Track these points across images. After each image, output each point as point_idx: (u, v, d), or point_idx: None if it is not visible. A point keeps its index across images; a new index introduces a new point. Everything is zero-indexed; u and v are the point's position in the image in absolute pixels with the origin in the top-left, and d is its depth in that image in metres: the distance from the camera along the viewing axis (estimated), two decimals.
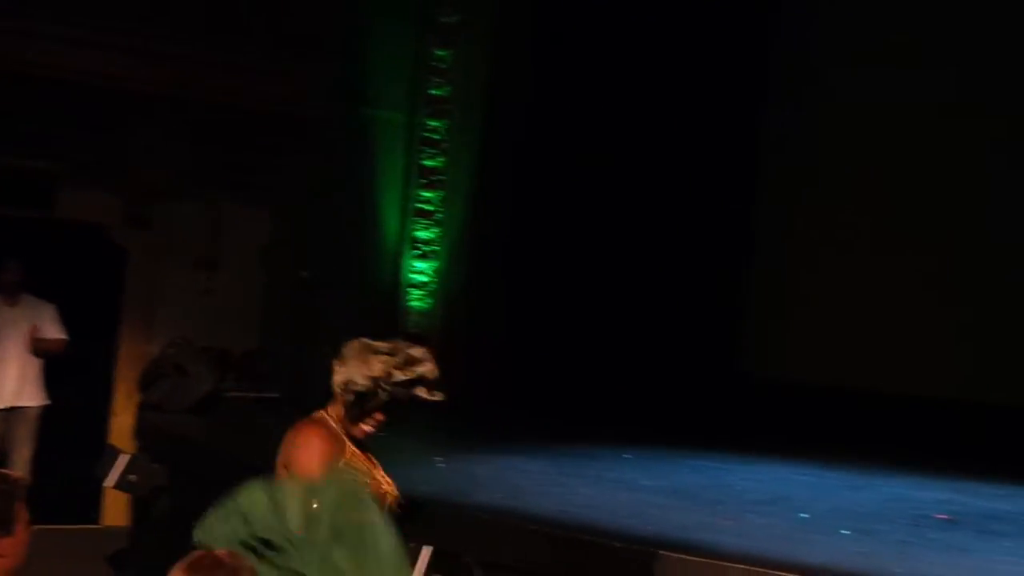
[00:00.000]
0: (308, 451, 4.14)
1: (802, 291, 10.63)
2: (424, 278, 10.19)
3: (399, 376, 4.17)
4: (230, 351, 9.23)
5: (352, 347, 4.25)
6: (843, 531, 6.27)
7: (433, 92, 10.22)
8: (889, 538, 6.27)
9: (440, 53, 10.22)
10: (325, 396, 4.23)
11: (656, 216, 10.39)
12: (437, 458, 7.13)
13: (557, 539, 5.46)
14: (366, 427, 4.18)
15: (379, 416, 4.18)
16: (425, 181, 10.22)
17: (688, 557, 5.31)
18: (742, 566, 5.29)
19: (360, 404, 4.16)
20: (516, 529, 5.55)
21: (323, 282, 9.62)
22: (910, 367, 10.06)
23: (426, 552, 4.92)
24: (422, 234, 10.21)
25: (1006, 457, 8.50)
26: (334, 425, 4.20)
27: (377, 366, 4.16)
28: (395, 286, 10.13)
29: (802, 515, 6.57)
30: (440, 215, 10.19)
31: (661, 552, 5.30)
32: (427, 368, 4.21)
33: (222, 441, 7.42)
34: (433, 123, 10.24)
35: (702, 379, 10.04)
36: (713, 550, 5.42)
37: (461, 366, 10.08)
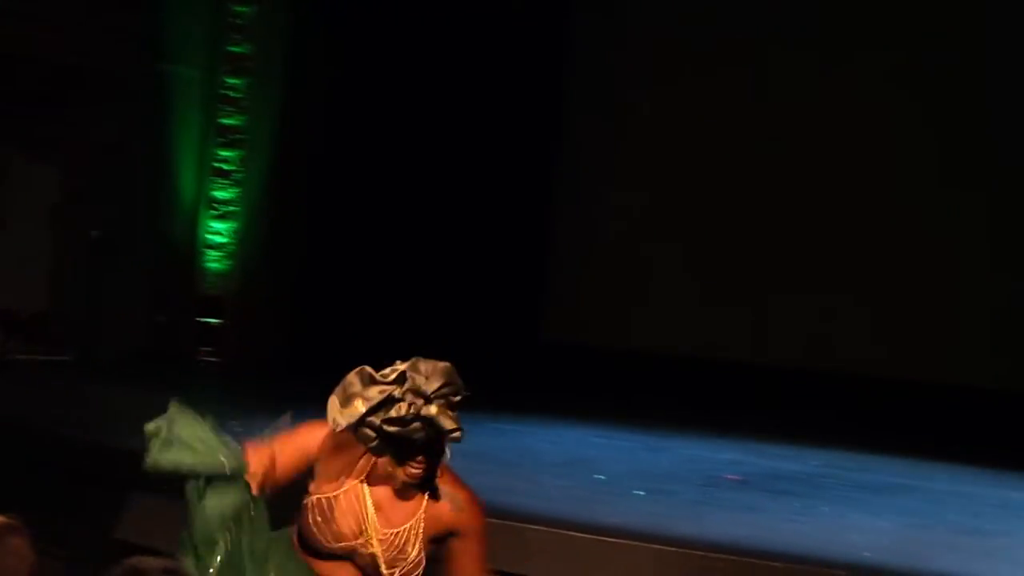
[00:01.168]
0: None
1: (598, 257, 10.73)
2: (222, 239, 9.99)
3: (387, 416, 3.32)
4: (16, 312, 8.93)
5: (348, 376, 3.41)
6: (638, 492, 6.36)
7: (233, 49, 10.01)
8: (682, 498, 6.39)
9: (240, 9, 10.00)
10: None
11: (459, 182, 10.36)
12: (233, 422, 7.00)
13: None
14: (412, 470, 3.40)
15: (419, 460, 3.38)
16: (223, 140, 10.00)
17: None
18: (539, 527, 5.33)
19: (377, 448, 3.37)
20: None
21: (116, 242, 9.37)
22: (704, 331, 10.25)
23: None
24: (220, 194, 10.00)
25: (793, 419, 8.72)
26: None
27: (357, 405, 3.34)
28: (192, 247, 9.92)
29: (598, 477, 6.64)
30: (239, 175, 9.99)
31: None
32: (439, 414, 3.34)
33: (6, 405, 7.18)
34: (232, 81, 10.03)
35: (501, 343, 10.07)
36: (510, 512, 5.42)
37: (260, 329, 9.98)
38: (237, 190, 9.97)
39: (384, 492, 3.47)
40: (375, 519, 3.46)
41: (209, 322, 9.78)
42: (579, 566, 5.26)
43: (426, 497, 3.48)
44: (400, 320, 9.70)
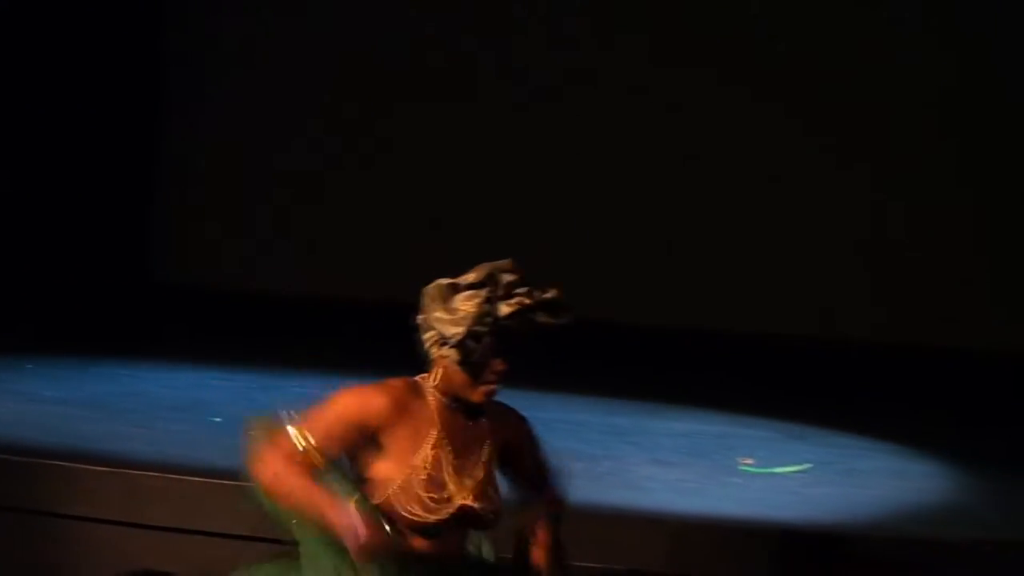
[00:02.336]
0: (339, 395, 3.37)
1: (208, 197, 10.51)
2: None
3: (505, 309, 3.29)
4: None
5: (428, 292, 3.38)
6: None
7: None
8: None
9: None
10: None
11: (56, 116, 9.88)
12: None
13: None
14: (487, 386, 3.34)
15: (498, 365, 3.33)
16: None
17: (96, 468, 5.16)
18: (154, 474, 5.19)
19: (468, 361, 3.31)
20: None
21: None
22: (317, 271, 10.21)
23: None
24: None
25: (412, 355, 8.77)
26: (431, 396, 3.36)
27: (466, 305, 3.30)
28: None
29: (214, 419, 6.53)
30: None
31: (66, 464, 5.11)
32: (544, 291, 3.33)
33: None
34: None
35: (111, 284, 9.74)
36: (124, 459, 5.29)
37: None
38: None
39: (457, 439, 3.38)
40: (462, 470, 3.37)
41: None
42: (197, 511, 5.15)
43: (485, 421, 3.43)
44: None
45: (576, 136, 9.96)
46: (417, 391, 3.39)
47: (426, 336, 3.39)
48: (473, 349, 3.30)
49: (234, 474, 5.14)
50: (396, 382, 3.41)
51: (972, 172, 9.70)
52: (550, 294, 3.33)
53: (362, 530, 3.20)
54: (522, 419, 3.57)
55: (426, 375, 3.41)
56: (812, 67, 9.80)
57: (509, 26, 10.20)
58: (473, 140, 10.12)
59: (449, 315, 3.30)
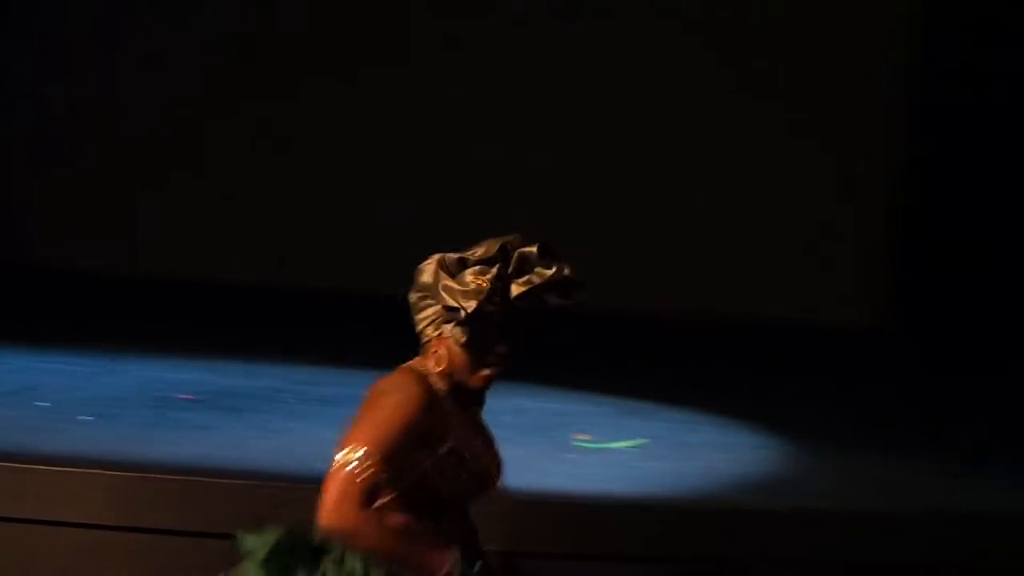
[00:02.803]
0: (390, 402, 3.04)
1: (42, 175, 10.28)
2: None
3: (517, 288, 3.07)
4: None
5: (430, 269, 3.13)
6: (84, 417, 6.19)
7: None
8: (133, 421, 6.27)
9: None
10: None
11: None
12: None
13: None
14: (487, 371, 3.13)
15: (501, 349, 3.12)
16: None
17: None
18: None
19: (474, 340, 3.08)
20: None
21: None
22: (161, 250, 10.06)
23: None
24: None
25: (250, 337, 8.72)
26: (437, 386, 3.12)
27: (478, 280, 3.06)
28: None
29: (41, 404, 6.41)
30: None
31: None
32: (558, 268, 3.10)
33: None
34: None
35: None
36: None
37: None
38: None
39: (467, 416, 3.21)
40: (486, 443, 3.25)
41: None
42: (29, 500, 5.05)
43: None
44: None
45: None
46: (423, 378, 3.15)
47: (423, 315, 3.16)
48: (481, 328, 3.07)
49: (70, 460, 5.13)
50: (411, 373, 3.14)
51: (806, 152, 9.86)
52: (564, 273, 3.13)
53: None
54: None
55: (422, 359, 3.19)
56: None
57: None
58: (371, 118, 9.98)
59: (461, 287, 3.06)
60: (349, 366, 8.10)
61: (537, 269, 3.10)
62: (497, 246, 3.10)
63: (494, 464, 3.23)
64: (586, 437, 6.43)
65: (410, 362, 3.18)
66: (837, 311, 9.60)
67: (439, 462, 3.08)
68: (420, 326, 3.18)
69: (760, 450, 6.61)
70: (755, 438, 6.83)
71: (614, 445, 6.40)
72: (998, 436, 7.54)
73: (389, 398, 3.05)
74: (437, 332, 3.14)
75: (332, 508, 2.98)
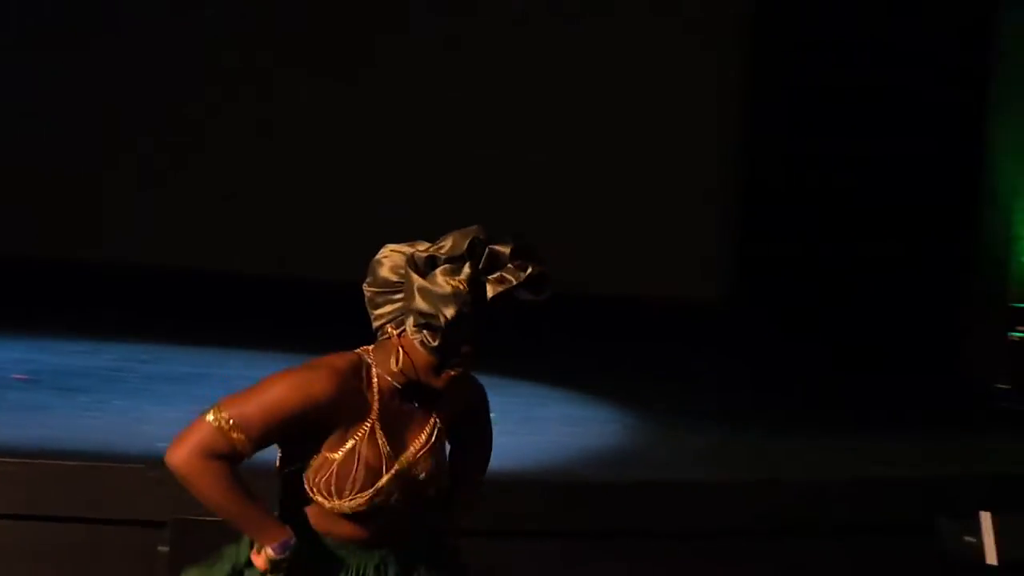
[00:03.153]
0: (277, 384, 2.93)
1: None
2: None
3: (492, 288, 2.90)
4: None
5: (390, 264, 2.97)
6: None
7: None
8: None
9: None
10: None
11: None
12: None
13: None
14: (453, 371, 2.95)
15: (467, 350, 2.94)
16: None
17: None
18: None
19: (445, 344, 2.90)
20: None
21: None
22: None
23: None
24: None
25: (86, 315, 8.54)
26: (377, 376, 2.97)
27: (453, 282, 2.87)
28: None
29: None
30: None
31: None
32: (534, 267, 2.93)
33: None
34: None
35: None
36: None
37: None
38: None
39: (396, 421, 3.01)
40: (399, 448, 3.01)
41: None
42: None
43: (439, 402, 3.05)
44: None
45: None
46: (359, 368, 3.01)
47: (383, 311, 3.00)
48: (454, 331, 2.90)
49: None
50: (341, 362, 3.01)
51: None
52: (536, 271, 2.96)
53: (273, 552, 2.97)
54: (479, 391, 3.23)
55: (369, 349, 3.04)
56: None
57: None
58: None
59: (437, 289, 2.88)
60: (190, 343, 8.04)
61: (510, 266, 2.94)
62: (467, 242, 2.92)
63: (421, 469, 3.04)
64: None
65: (358, 350, 3.05)
66: (686, 285, 9.69)
67: (334, 459, 2.98)
68: (379, 322, 3.01)
69: (607, 424, 6.66)
70: (603, 412, 6.88)
71: None
72: (830, 403, 7.74)
73: (280, 380, 2.98)
74: (399, 330, 2.98)
75: (177, 447, 2.96)
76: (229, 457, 2.94)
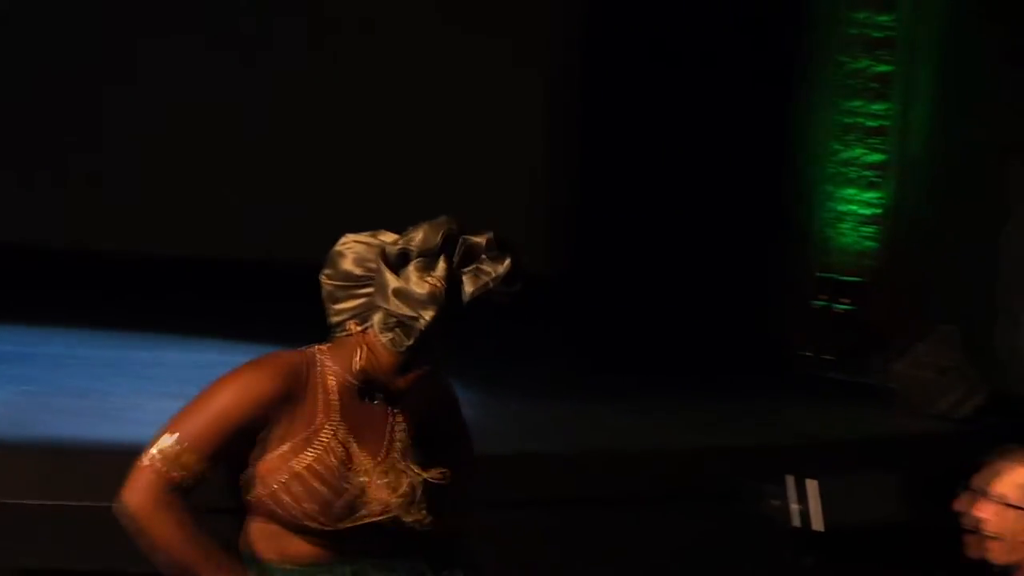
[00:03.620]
0: (218, 392, 2.73)
1: None
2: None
3: (469, 286, 2.71)
4: None
5: (353, 257, 2.76)
6: None
7: None
8: None
9: None
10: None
11: None
12: None
13: None
14: (418, 371, 2.76)
15: (436, 348, 2.76)
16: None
17: None
18: None
19: (417, 345, 2.70)
20: None
21: None
22: None
23: None
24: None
25: None
26: (332, 375, 2.78)
27: (429, 280, 2.67)
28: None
29: None
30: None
31: None
32: (511, 261, 2.75)
33: None
34: None
35: None
36: None
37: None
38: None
39: (360, 423, 2.81)
40: (375, 462, 2.81)
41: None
42: None
43: (402, 405, 2.85)
44: None
45: None
46: (312, 365, 2.83)
47: (344, 306, 2.81)
48: (432, 332, 2.71)
49: None
50: (288, 358, 2.82)
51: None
52: (509, 266, 2.78)
53: None
54: (446, 386, 3.03)
55: (324, 347, 2.86)
56: None
57: None
58: None
59: (416, 290, 2.68)
60: (9, 322, 7.83)
61: (486, 259, 2.77)
62: (440, 234, 2.74)
63: (389, 474, 2.83)
64: None
65: (310, 348, 2.87)
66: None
67: (294, 469, 2.77)
68: (339, 317, 2.82)
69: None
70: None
71: None
72: (646, 372, 7.88)
73: (223, 385, 2.80)
74: (362, 328, 2.80)
75: (128, 494, 2.75)
76: (184, 485, 2.73)
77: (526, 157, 9.92)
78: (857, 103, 8.64)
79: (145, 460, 2.74)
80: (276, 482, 2.76)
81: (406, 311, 2.70)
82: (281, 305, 8.32)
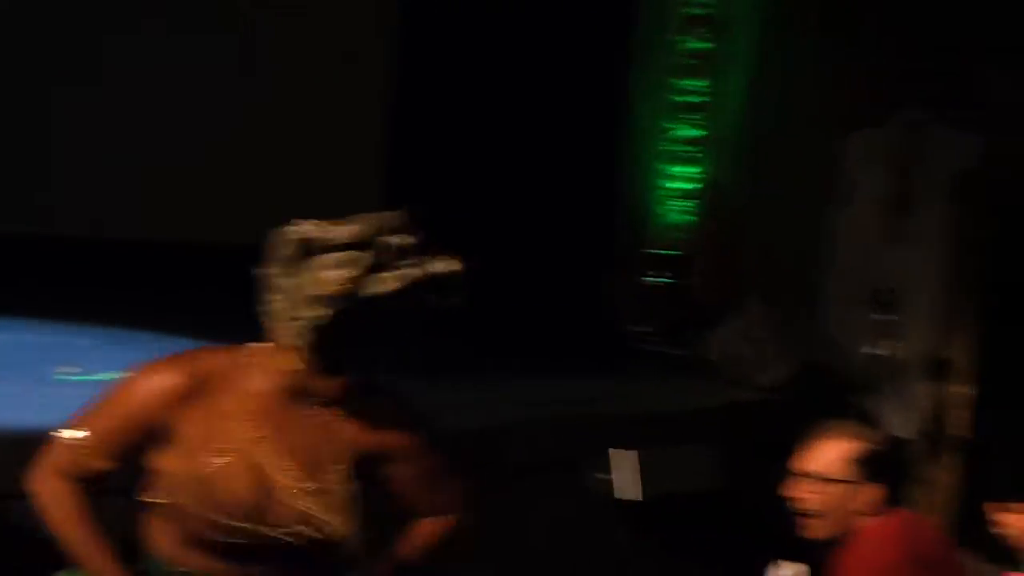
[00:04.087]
0: (122, 389, 2.68)
1: None
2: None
3: (391, 283, 2.51)
4: None
5: (288, 244, 2.56)
6: None
7: None
8: None
9: None
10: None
11: None
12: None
13: None
14: (340, 375, 2.58)
15: (360, 350, 2.58)
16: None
17: None
18: None
19: (323, 344, 2.53)
20: None
21: None
22: None
23: None
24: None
25: None
26: (262, 376, 2.61)
27: (338, 273, 2.48)
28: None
29: None
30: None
31: None
32: (436, 261, 2.56)
33: None
34: None
35: None
36: None
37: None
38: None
39: (291, 433, 2.62)
40: (292, 469, 2.61)
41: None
42: None
43: (342, 414, 2.66)
44: None
45: None
46: (237, 365, 2.69)
47: (272, 300, 2.66)
48: (337, 330, 2.56)
49: None
50: (205, 356, 2.71)
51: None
52: (445, 267, 2.64)
53: None
54: (402, 412, 2.83)
55: (261, 346, 2.71)
56: None
57: None
58: None
59: (321, 285, 2.53)
60: None
61: (414, 261, 2.61)
62: (369, 229, 2.60)
63: (312, 495, 2.65)
64: (73, 370, 6.24)
65: (247, 345, 2.74)
66: None
67: (202, 470, 2.65)
68: (270, 314, 2.69)
69: None
70: None
71: (101, 377, 6.26)
72: (483, 348, 7.89)
73: (129, 379, 2.74)
74: (286, 326, 2.65)
75: (32, 469, 2.80)
76: (86, 478, 2.73)
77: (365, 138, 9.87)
78: (686, 82, 8.77)
79: (54, 446, 2.77)
80: (176, 483, 2.67)
81: (306, 308, 2.57)
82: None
